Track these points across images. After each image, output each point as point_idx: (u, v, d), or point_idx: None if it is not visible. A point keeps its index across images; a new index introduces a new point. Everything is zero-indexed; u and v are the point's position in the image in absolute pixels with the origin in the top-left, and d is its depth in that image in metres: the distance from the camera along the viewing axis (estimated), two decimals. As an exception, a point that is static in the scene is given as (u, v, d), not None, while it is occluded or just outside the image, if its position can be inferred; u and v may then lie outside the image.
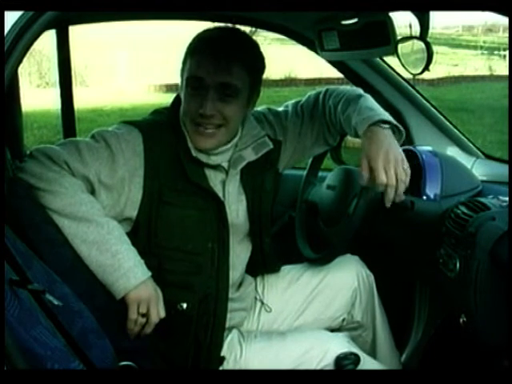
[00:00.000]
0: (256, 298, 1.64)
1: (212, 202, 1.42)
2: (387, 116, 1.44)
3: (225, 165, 1.48)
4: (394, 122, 1.43)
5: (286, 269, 1.69)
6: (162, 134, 1.42)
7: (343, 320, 1.66)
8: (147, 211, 1.37)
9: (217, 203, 1.43)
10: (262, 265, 1.62)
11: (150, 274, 1.31)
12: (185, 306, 1.38)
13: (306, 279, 1.66)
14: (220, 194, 1.45)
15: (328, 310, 1.65)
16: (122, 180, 1.34)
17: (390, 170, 1.34)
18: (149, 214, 1.37)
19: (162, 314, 1.32)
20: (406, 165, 1.38)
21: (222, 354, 1.45)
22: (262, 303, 1.64)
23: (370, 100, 1.52)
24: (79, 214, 1.26)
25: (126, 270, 1.27)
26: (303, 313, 1.64)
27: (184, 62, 1.43)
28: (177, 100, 1.49)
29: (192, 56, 1.40)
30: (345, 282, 1.65)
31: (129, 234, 1.35)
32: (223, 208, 1.43)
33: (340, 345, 1.46)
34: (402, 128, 1.44)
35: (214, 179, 1.46)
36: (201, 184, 1.41)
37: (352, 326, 1.67)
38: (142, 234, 1.38)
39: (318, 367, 1.43)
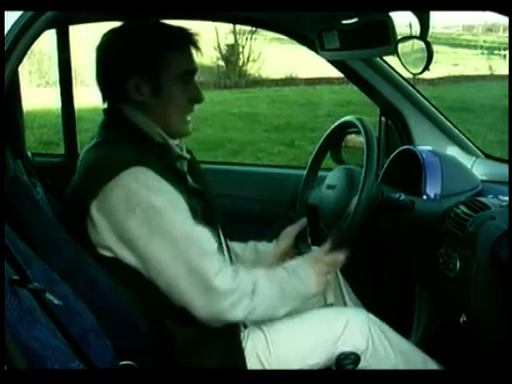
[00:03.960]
0: None
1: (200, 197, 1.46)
2: None
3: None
4: None
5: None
6: (148, 155, 1.35)
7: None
8: None
9: (202, 197, 1.46)
10: None
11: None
12: None
13: None
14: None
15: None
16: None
17: None
18: None
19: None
20: None
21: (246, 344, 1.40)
22: None
23: None
24: None
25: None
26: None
27: (159, 59, 1.38)
28: (122, 116, 1.41)
29: (175, 51, 1.40)
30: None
31: None
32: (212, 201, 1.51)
33: (361, 320, 1.45)
34: None
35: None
36: (191, 183, 1.46)
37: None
38: None
39: (339, 341, 1.41)
